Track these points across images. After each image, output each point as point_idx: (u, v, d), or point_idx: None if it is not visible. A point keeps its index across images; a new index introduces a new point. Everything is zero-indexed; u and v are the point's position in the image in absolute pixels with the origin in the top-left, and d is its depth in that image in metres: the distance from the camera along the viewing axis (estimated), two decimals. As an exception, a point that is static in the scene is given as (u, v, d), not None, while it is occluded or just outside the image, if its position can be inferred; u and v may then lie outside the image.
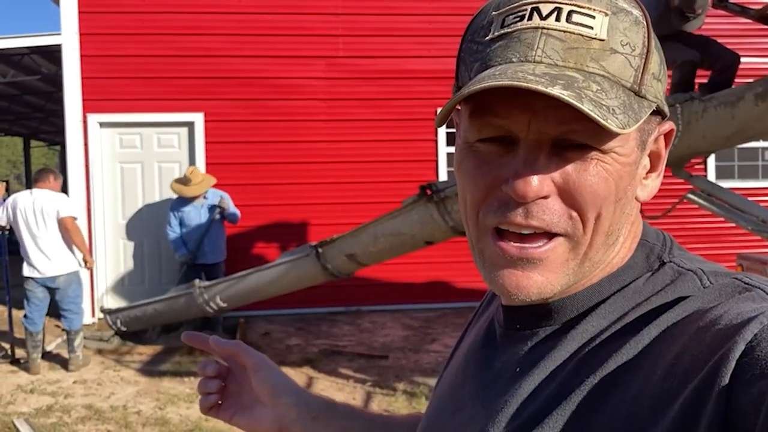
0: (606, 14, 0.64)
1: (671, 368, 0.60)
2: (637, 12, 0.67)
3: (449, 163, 8.55)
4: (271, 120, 8.23)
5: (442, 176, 8.43)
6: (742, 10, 4.39)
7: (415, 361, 6.68)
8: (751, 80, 3.95)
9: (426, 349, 7.06)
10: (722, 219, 4.94)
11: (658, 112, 0.70)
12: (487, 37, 0.67)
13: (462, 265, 8.24)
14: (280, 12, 8.18)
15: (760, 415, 0.51)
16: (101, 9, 7.93)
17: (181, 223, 7.27)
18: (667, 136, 0.74)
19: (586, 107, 0.59)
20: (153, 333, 7.10)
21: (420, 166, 8.44)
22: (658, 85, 0.68)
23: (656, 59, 0.68)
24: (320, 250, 5.69)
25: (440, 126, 0.68)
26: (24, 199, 6.21)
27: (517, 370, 0.74)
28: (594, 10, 0.64)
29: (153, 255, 8.24)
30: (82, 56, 7.91)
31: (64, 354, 6.62)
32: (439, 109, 8.56)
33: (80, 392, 5.80)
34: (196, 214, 7.24)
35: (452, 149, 7.68)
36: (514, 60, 0.64)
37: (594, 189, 0.65)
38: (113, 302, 7.99)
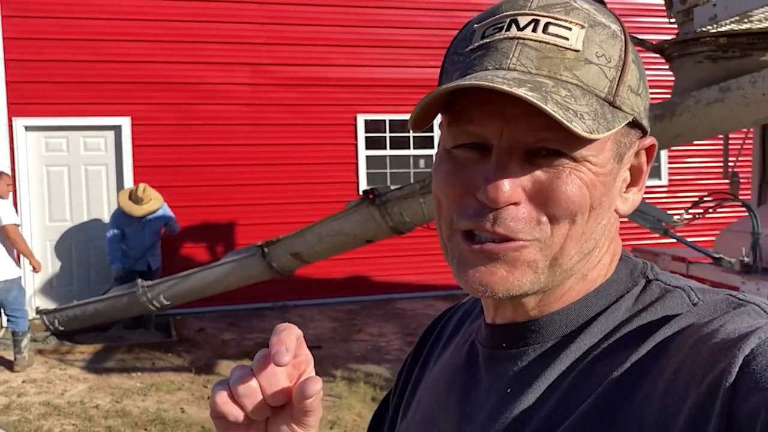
0: (582, 27, 0.66)
1: (670, 384, 0.60)
2: (615, 26, 0.69)
3: (369, 166, 9.15)
4: (197, 124, 8.54)
5: (362, 178, 9.02)
6: (640, 42, 5.20)
7: (346, 350, 7.24)
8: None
9: (354, 339, 7.64)
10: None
11: (638, 127, 0.72)
12: (468, 48, 0.69)
13: (379, 260, 8.90)
14: (205, 20, 8.50)
15: (757, 428, 0.51)
16: (25, 14, 7.99)
17: (123, 236, 7.50)
18: (649, 150, 0.75)
19: (549, 108, 0.60)
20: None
21: (341, 169, 9.00)
22: (636, 99, 0.69)
23: (634, 74, 0.69)
24: (266, 249, 6.15)
25: (415, 130, 0.71)
26: None
27: (508, 390, 0.73)
28: (571, 22, 0.66)
29: (82, 256, 8.38)
30: (6, 60, 7.94)
31: (5, 355, 6.76)
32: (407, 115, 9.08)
33: (33, 391, 6.00)
34: (139, 228, 7.49)
35: (371, 152, 8.29)
36: (489, 67, 0.66)
37: (567, 195, 0.66)
38: (43, 303, 8.09)
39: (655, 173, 10.30)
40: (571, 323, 0.72)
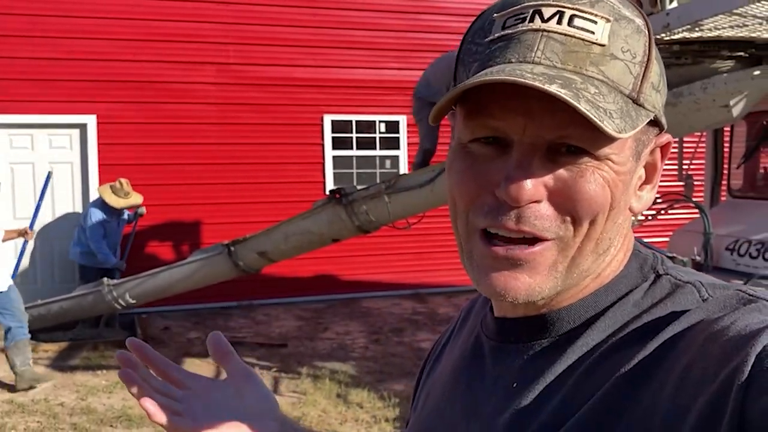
0: (608, 20, 0.64)
1: (681, 382, 0.59)
2: (639, 21, 0.67)
3: (335, 166, 9.24)
4: (163, 123, 8.55)
5: (329, 178, 9.11)
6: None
7: (312, 348, 7.32)
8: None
9: (320, 337, 7.73)
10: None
11: (655, 124, 0.70)
12: (487, 39, 0.67)
13: (345, 259, 8.99)
14: (173, 19, 8.52)
15: None
16: (-11, 10, 7.94)
17: (114, 233, 7.52)
18: (664, 148, 0.74)
19: (582, 107, 0.59)
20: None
21: (307, 168, 9.08)
22: (656, 96, 0.68)
23: (656, 70, 0.68)
24: (232, 248, 6.21)
25: (435, 123, 0.69)
26: None
27: (514, 385, 0.72)
28: (596, 15, 0.64)
29: (45, 255, 8.34)
30: (-31, 57, 7.88)
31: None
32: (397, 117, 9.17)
33: (-4, 389, 6.00)
34: (115, 225, 7.52)
35: (338, 152, 8.39)
36: (512, 60, 0.64)
37: (591, 195, 0.65)
38: (5, 302, 8.03)
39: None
40: (579, 318, 0.72)
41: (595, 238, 0.67)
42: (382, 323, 8.24)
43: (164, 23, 8.50)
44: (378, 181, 8.55)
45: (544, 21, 0.64)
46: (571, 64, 0.63)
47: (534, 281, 0.67)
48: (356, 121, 9.34)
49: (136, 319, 7.91)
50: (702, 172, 6.63)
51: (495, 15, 0.68)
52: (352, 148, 9.35)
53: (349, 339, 7.67)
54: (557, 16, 0.64)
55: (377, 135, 9.47)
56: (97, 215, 7.47)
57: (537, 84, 0.59)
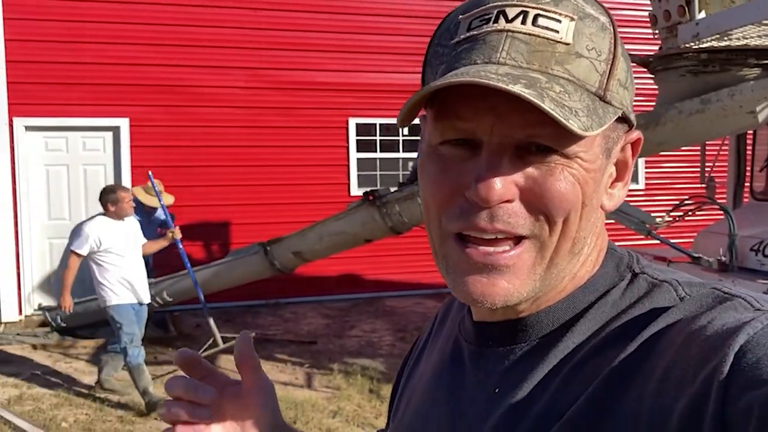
0: (572, 19, 0.65)
1: (662, 383, 0.59)
2: (604, 18, 0.67)
3: (359, 168, 9.46)
4: (194, 126, 8.78)
5: (353, 180, 9.32)
6: (625, 56, 5.54)
7: (341, 345, 7.52)
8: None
9: (348, 335, 7.93)
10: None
11: (624, 120, 0.70)
12: (453, 41, 0.67)
13: (369, 259, 9.19)
14: (203, 25, 8.74)
15: (749, 428, 0.51)
16: (26, 16, 8.17)
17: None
18: (634, 145, 0.74)
19: (547, 106, 0.59)
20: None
21: (332, 170, 9.30)
22: (624, 93, 0.68)
23: (623, 66, 0.68)
24: (268, 248, 6.42)
25: (403, 126, 0.68)
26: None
27: (497, 390, 0.72)
28: (560, 14, 0.64)
29: (80, 254, 8.56)
30: (7, 62, 8.11)
31: (7, 349, 6.96)
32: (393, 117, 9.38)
33: (41, 383, 6.21)
34: (147, 224, 7.71)
35: (362, 155, 8.60)
36: (478, 62, 0.64)
37: (561, 192, 0.65)
38: (42, 300, 8.28)
39: (633, 177, 10.71)
40: (558, 321, 0.71)
41: (571, 237, 0.67)
42: (406, 321, 8.43)
43: (195, 29, 8.72)
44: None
45: (508, 21, 0.64)
46: (536, 64, 0.63)
47: (512, 286, 0.67)
48: (380, 124, 9.54)
49: (167, 317, 8.14)
50: (724, 175, 6.80)
51: (460, 17, 0.68)
52: (376, 151, 9.56)
53: (375, 337, 7.87)
54: (521, 16, 0.64)
55: (400, 138, 9.68)
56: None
57: (501, 85, 0.59)
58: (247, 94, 8.96)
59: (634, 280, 0.72)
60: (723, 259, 5.27)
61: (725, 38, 4.59)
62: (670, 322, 0.64)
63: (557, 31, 0.64)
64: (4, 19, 8.09)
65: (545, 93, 0.60)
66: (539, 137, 0.63)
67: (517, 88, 0.58)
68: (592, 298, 0.71)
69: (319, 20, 9.14)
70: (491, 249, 0.66)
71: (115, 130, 8.56)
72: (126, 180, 8.48)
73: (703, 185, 6.35)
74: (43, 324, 7.81)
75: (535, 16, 0.64)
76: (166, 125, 8.68)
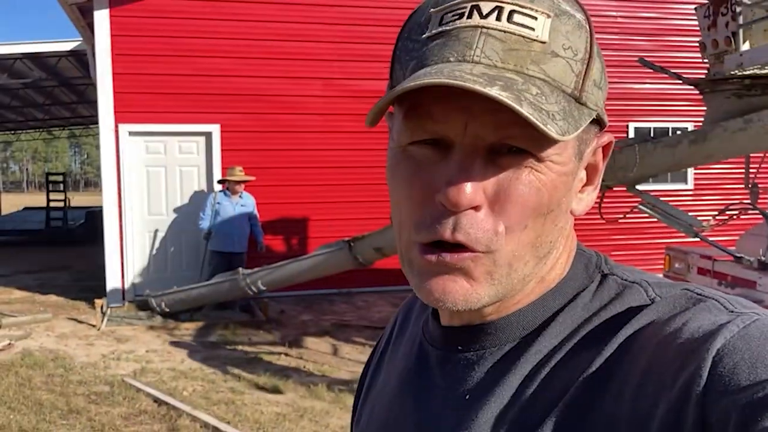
0: (548, 16, 0.62)
1: (640, 389, 0.59)
2: (580, 15, 0.65)
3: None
4: (276, 131, 9.69)
5: (420, 180, 10.14)
6: (678, 76, 6.24)
7: (411, 331, 8.34)
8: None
9: (417, 322, 8.74)
10: (647, 215, 6.88)
11: (597, 122, 0.68)
12: (424, 35, 0.65)
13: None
14: (286, 39, 9.63)
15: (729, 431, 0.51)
16: (132, 33, 9.14)
17: (217, 212, 8.66)
18: (605, 148, 0.72)
19: (525, 110, 0.56)
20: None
21: (401, 171, 10.13)
22: (598, 93, 0.66)
23: (598, 66, 0.66)
24: (353, 244, 7.25)
25: (371, 125, 0.65)
26: None
27: (467, 397, 0.70)
28: (536, 11, 0.62)
29: (175, 246, 9.57)
30: (114, 74, 9.11)
31: (125, 331, 7.93)
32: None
33: (157, 359, 7.15)
34: (231, 209, 8.67)
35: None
36: (451, 59, 0.61)
37: (524, 200, 0.63)
38: (141, 287, 9.28)
39: (682, 178, 11.31)
40: (529, 325, 0.70)
41: (530, 243, 0.65)
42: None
43: (279, 42, 9.61)
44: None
45: (482, 17, 0.62)
46: (511, 63, 0.61)
47: (471, 287, 0.65)
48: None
49: (252, 303, 9.06)
50: (767, 180, 7.43)
51: (431, 10, 0.65)
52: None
53: (442, 324, 8.66)
54: (496, 12, 0.62)
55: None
56: (211, 196, 8.80)
57: (478, 87, 0.56)
58: (324, 102, 9.83)
59: (603, 282, 0.71)
60: (763, 258, 5.94)
61: (766, 67, 5.26)
62: (643, 324, 0.64)
63: (533, 29, 0.61)
64: (112, 35, 9.07)
65: (522, 96, 0.58)
66: (513, 139, 0.61)
67: (494, 91, 0.56)
68: (563, 301, 0.71)
69: (388, 34, 9.94)
70: (446, 253, 0.64)
71: (208, 135, 9.51)
72: (217, 179, 9.43)
73: (747, 190, 7.00)
74: (143, 308, 8.81)
75: (511, 12, 0.62)
76: (252, 131, 9.60)
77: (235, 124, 9.54)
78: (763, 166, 7.16)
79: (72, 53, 12.36)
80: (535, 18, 0.62)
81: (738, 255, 6.16)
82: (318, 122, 9.83)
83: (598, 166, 0.72)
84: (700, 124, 6.08)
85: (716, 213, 6.54)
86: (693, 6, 10.00)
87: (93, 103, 19.28)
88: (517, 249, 0.65)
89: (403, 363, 0.83)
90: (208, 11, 9.40)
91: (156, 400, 5.88)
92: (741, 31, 5.36)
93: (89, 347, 7.46)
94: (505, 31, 0.61)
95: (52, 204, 18.52)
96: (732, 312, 0.61)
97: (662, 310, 0.64)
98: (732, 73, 5.48)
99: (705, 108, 6.05)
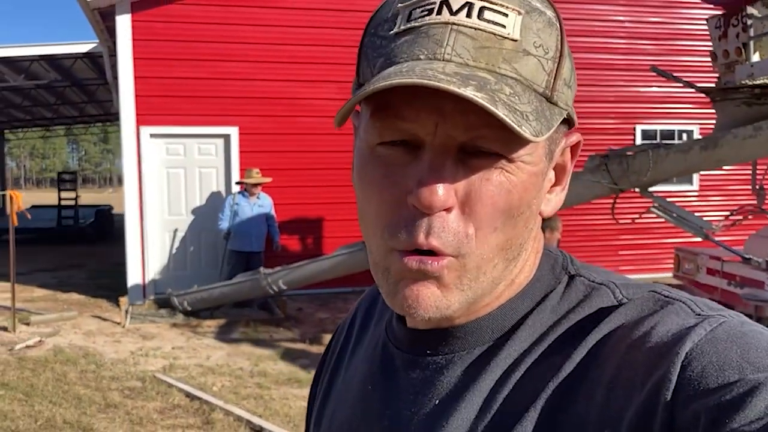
0: (519, 13, 0.61)
1: (609, 393, 0.59)
2: (550, 13, 0.64)
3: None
4: (292, 133, 9.93)
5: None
6: (690, 85, 6.49)
7: (427, 329, 8.59)
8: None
9: (431, 320, 8.99)
10: (655, 216, 7.14)
11: (566, 121, 0.67)
12: (392, 31, 0.63)
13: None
14: (302, 44, 9.87)
15: None
16: (152, 38, 9.38)
17: (236, 213, 8.92)
18: (574, 148, 0.71)
19: (500, 112, 0.55)
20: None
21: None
22: (568, 92, 0.65)
23: (568, 65, 0.65)
24: (372, 244, 7.50)
25: (339, 125, 0.63)
26: None
27: (437, 402, 0.69)
28: (507, 7, 0.61)
29: (194, 245, 9.81)
30: (136, 77, 9.34)
31: (140, 326, 8.17)
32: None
33: (183, 356, 7.39)
34: (249, 209, 8.92)
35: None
36: (421, 57, 0.60)
37: (494, 201, 0.62)
38: (162, 285, 9.52)
39: (687, 179, 11.56)
40: (498, 328, 0.69)
41: (500, 246, 0.64)
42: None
43: (295, 47, 9.85)
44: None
45: (452, 13, 0.60)
46: (483, 62, 0.59)
47: (443, 295, 0.64)
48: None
49: (270, 302, 9.30)
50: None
51: (399, 5, 0.64)
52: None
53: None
54: (466, 8, 0.60)
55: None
56: (230, 198, 9.05)
57: (453, 88, 0.54)
58: (338, 105, 10.04)
59: (570, 283, 0.71)
60: (770, 259, 6.20)
61: (775, 78, 5.52)
62: (612, 327, 0.64)
63: (504, 26, 0.60)
64: (133, 40, 9.30)
65: (497, 96, 0.56)
66: (484, 140, 0.60)
67: (468, 92, 0.55)
68: (531, 304, 0.70)
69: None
70: (427, 258, 0.62)
71: (226, 137, 9.75)
72: (235, 180, 9.67)
73: (754, 193, 7.25)
74: (163, 306, 9.06)
75: (481, 9, 0.60)
76: (269, 133, 9.84)
77: (252, 126, 9.78)
78: (769, 169, 7.41)
79: (87, 55, 12.57)
80: (506, 15, 0.61)
81: (746, 256, 6.41)
82: (332, 124, 9.99)
83: (566, 166, 0.72)
84: (707, 126, 6.34)
85: (721, 214, 6.80)
86: (699, 11, 10.28)
87: (101, 103, 19.57)
88: (486, 252, 0.64)
89: (367, 365, 0.81)
90: (226, 17, 9.63)
91: (188, 395, 6.12)
92: (752, 43, 5.61)
93: (117, 344, 7.70)
94: (476, 28, 0.60)
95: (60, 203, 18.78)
96: (699, 315, 0.61)
97: (630, 313, 0.64)
98: (743, 82, 5.73)
99: (715, 114, 6.31)
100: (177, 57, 9.49)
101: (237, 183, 9.33)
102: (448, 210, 0.61)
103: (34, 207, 22.93)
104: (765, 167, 7.01)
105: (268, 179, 9.15)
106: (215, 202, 9.74)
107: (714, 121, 6.34)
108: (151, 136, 9.51)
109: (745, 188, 10.21)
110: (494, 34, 0.60)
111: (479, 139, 0.60)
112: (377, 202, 0.64)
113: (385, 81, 0.56)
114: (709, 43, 6.31)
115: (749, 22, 5.60)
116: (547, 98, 0.62)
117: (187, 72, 9.54)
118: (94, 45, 12.02)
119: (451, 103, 0.58)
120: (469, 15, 0.60)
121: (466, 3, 0.60)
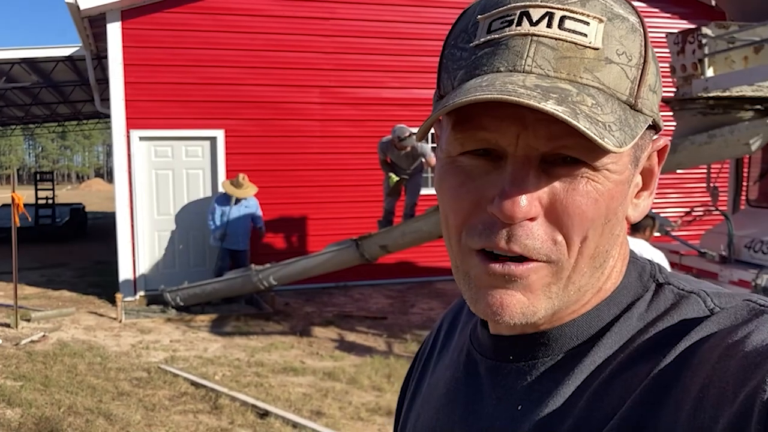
0: (601, 20, 0.60)
1: (699, 402, 0.56)
2: (633, 18, 0.63)
3: (415, 171, 11.03)
4: (277, 136, 10.39)
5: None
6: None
7: (407, 320, 9.13)
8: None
9: (411, 312, 9.54)
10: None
11: (652, 126, 0.67)
12: (472, 43, 0.63)
13: (422, 248, 10.81)
14: (286, 50, 10.32)
15: None
16: (142, 44, 9.75)
17: (222, 215, 9.37)
18: (661, 152, 0.71)
19: (581, 124, 0.55)
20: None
21: (392, 173, 10.92)
22: (653, 98, 0.65)
23: (653, 70, 0.64)
24: (360, 242, 8.02)
25: (422, 139, 0.64)
26: None
27: (519, 407, 0.69)
28: (588, 15, 0.60)
29: (183, 244, 10.22)
30: (126, 83, 9.70)
31: (135, 321, 8.58)
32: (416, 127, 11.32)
33: (182, 348, 7.82)
34: (236, 211, 9.37)
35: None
36: (501, 69, 0.60)
37: (582, 211, 0.62)
38: (151, 283, 9.92)
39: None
40: (583, 335, 0.69)
41: (589, 254, 0.64)
42: (457, 302, 10.03)
43: (279, 53, 10.30)
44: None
45: (532, 24, 0.60)
46: (564, 72, 0.59)
47: (529, 301, 0.64)
48: (431, 134, 11.13)
49: (257, 297, 9.74)
50: (725, 185, 8.39)
51: (479, 17, 0.64)
52: (427, 156, 11.15)
53: (435, 314, 9.47)
54: (546, 19, 0.60)
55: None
56: (218, 200, 9.51)
57: (533, 103, 0.55)
58: (322, 108, 10.55)
59: (659, 291, 0.70)
60: (723, 253, 6.87)
61: (726, 91, 6.16)
62: (703, 336, 0.61)
63: (585, 35, 0.60)
64: (123, 47, 9.66)
65: (578, 108, 0.57)
66: (567, 149, 0.60)
67: (549, 106, 0.55)
68: (617, 311, 0.69)
69: (380, 45, 10.70)
70: (510, 262, 0.63)
71: (212, 140, 10.17)
72: (221, 182, 10.09)
73: (709, 192, 7.93)
74: (154, 302, 9.47)
75: (562, 18, 0.60)
76: (254, 135, 10.29)
77: (238, 129, 10.22)
78: (723, 171, 8.11)
79: (68, 58, 12.84)
80: (588, 23, 0.60)
81: (702, 250, 7.07)
82: (316, 127, 10.55)
83: (653, 170, 0.71)
84: (665, 133, 7.01)
85: (680, 211, 7.45)
86: (660, 31, 10.99)
87: (74, 103, 19.71)
88: (576, 261, 0.64)
89: (451, 371, 0.81)
90: (212, 24, 10.05)
91: (193, 383, 6.57)
92: (706, 59, 6.25)
93: (117, 338, 8.10)
94: (556, 39, 0.60)
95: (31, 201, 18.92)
96: None
97: (723, 322, 0.62)
98: (699, 94, 6.37)
99: (674, 123, 6.95)
100: (165, 63, 9.87)
101: (223, 194, 9.66)
102: (532, 219, 0.62)
103: (4, 206, 22.96)
104: (718, 169, 7.69)
105: (254, 191, 9.54)
106: (203, 202, 10.16)
107: (673, 128, 6.99)
108: (140, 138, 9.88)
109: (700, 186, 10.96)
110: (575, 43, 0.60)
111: (562, 149, 0.61)
112: (455, 208, 0.65)
113: (466, 96, 0.58)
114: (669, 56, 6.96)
115: (704, 40, 6.24)
116: (631, 106, 0.62)
117: (175, 77, 9.93)
118: (77, 48, 12.32)
119: (532, 113, 0.59)
120: (549, 25, 0.60)
121: (547, 13, 0.60)
